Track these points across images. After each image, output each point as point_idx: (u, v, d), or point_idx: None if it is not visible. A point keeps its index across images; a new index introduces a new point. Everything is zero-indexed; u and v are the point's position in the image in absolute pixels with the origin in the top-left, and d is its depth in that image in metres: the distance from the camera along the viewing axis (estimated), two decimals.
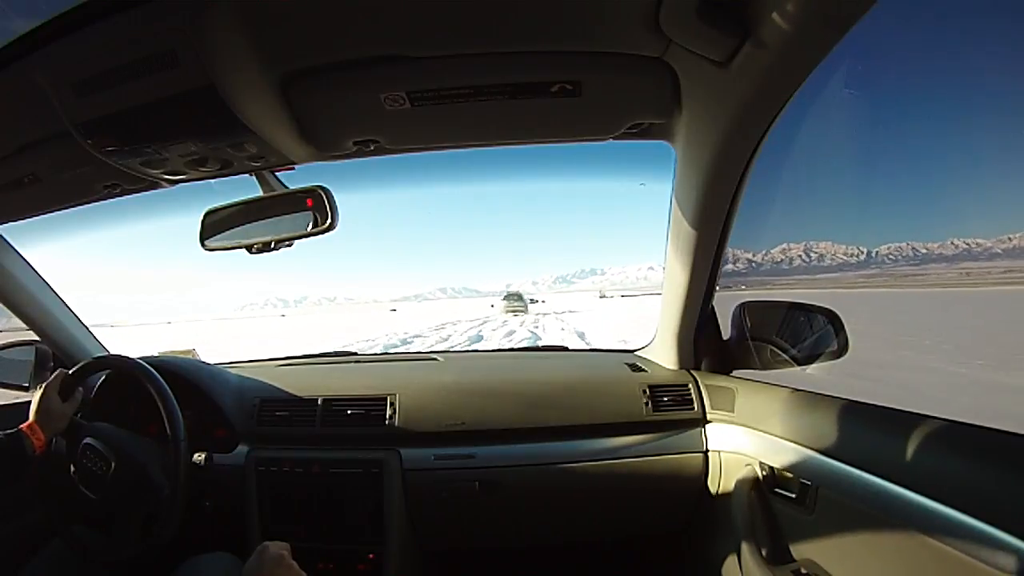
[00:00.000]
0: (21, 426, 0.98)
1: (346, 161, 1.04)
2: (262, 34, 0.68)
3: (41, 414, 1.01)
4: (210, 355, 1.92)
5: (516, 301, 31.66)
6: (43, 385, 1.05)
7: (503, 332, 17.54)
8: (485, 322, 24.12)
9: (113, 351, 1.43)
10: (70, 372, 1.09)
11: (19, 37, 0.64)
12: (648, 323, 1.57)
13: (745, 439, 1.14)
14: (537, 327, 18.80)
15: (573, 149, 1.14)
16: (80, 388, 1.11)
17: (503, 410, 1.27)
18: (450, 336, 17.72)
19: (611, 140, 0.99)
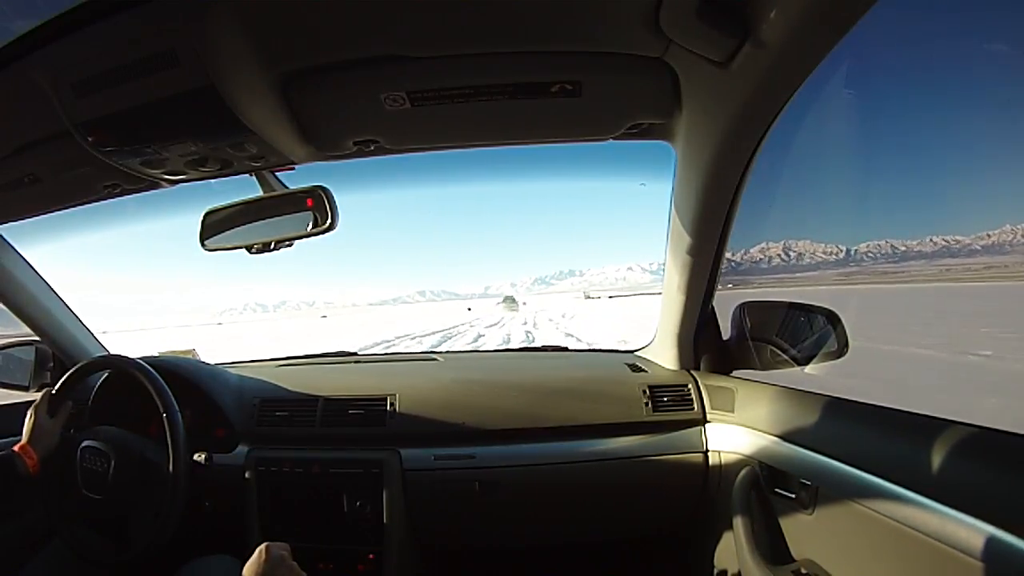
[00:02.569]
0: (14, 448, 0.99)
1: (346, 161, 1.04)
2: (262, 34, 0.68)
3: (32, 434, 1.02)
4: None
5: (511, 303, 50.53)
6: (32, 407, 1.06)
7: None
8: (448, 338, 20.38)
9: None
10: (54, 391, 1.10)
11: (19, 37, 0.64)
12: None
13: (745, 439, 1.14)
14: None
15: (573, 149, 1.14)
16: (69, 402, 1.11)
17: (503, 410, 1.27)
18: None
19: (611, 140, 0.99)
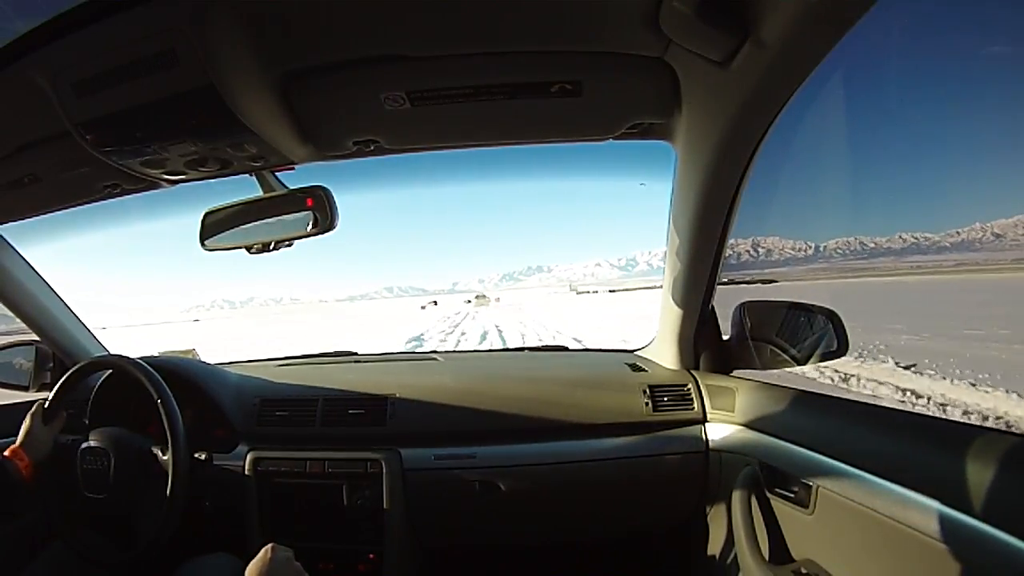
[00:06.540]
0: (4, 452, 0.99)
1: (346, 161, 1.04)
2: (262, 34, 0.68)
3: (25, 437, 1.03)
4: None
5: (481, 298, 59.74)
6: (30, 412, 1.06)
7: None
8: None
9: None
10: (52, 393, 1.10)
11: (19, 37, 0.64)
12: None
13: (745, 438, 1.14)
14: None
15: (572, 149, 1.14)
16: (64, 408, 1.11)
17: (503, 410, 1.27)
18: None
19: (611, 140, 0.99)
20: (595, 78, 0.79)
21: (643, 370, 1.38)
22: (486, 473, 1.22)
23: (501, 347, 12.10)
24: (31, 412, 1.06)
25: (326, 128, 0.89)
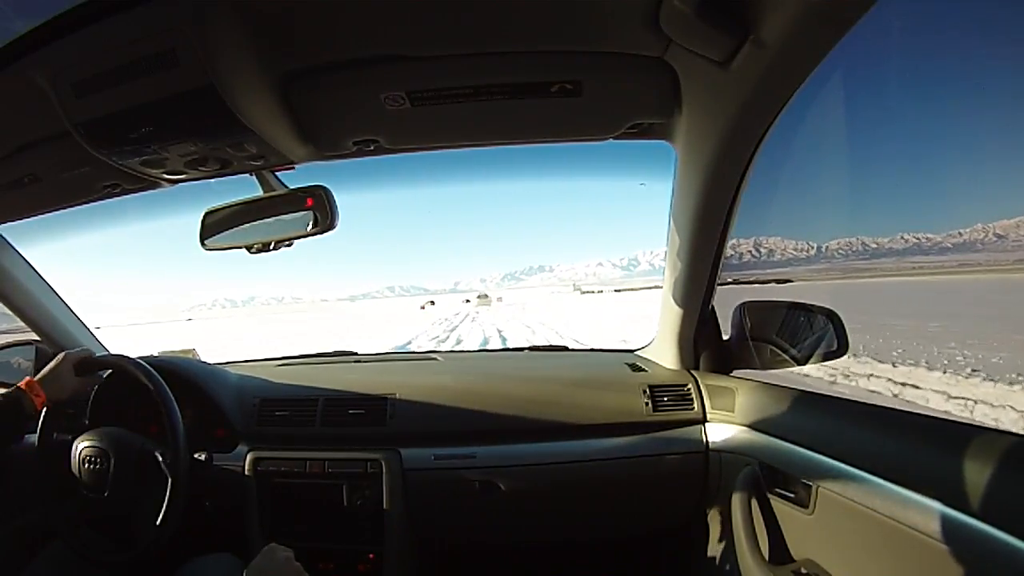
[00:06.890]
0: (20, 383, 0.99)
1: (346, 161, 1.04)
2: (262, 34, 0.68)
3: (49, 375, 1.02)
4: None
5: (484, 299, 62.19)
6: (64, 353, 1.06)
7: None
8: None
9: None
10: (88, 353, 1.10)
11: (19, 37, 0.64)
12: None
13: (745, 439, 1.14)
14: None
15: (572, 149, 1.14)
16: (100, 374, 1.12)
17: (503, 410, 1.27)
18: None
19: (611, 140, 0.99)
20: (595, 78, 0.79)
21: (643, 370, 1.38)
22: (486, 473, 1.22)
23: (501, 347, 12.19)
24: (65, 354, 1.06)
25: (326, 128, 0.89)
